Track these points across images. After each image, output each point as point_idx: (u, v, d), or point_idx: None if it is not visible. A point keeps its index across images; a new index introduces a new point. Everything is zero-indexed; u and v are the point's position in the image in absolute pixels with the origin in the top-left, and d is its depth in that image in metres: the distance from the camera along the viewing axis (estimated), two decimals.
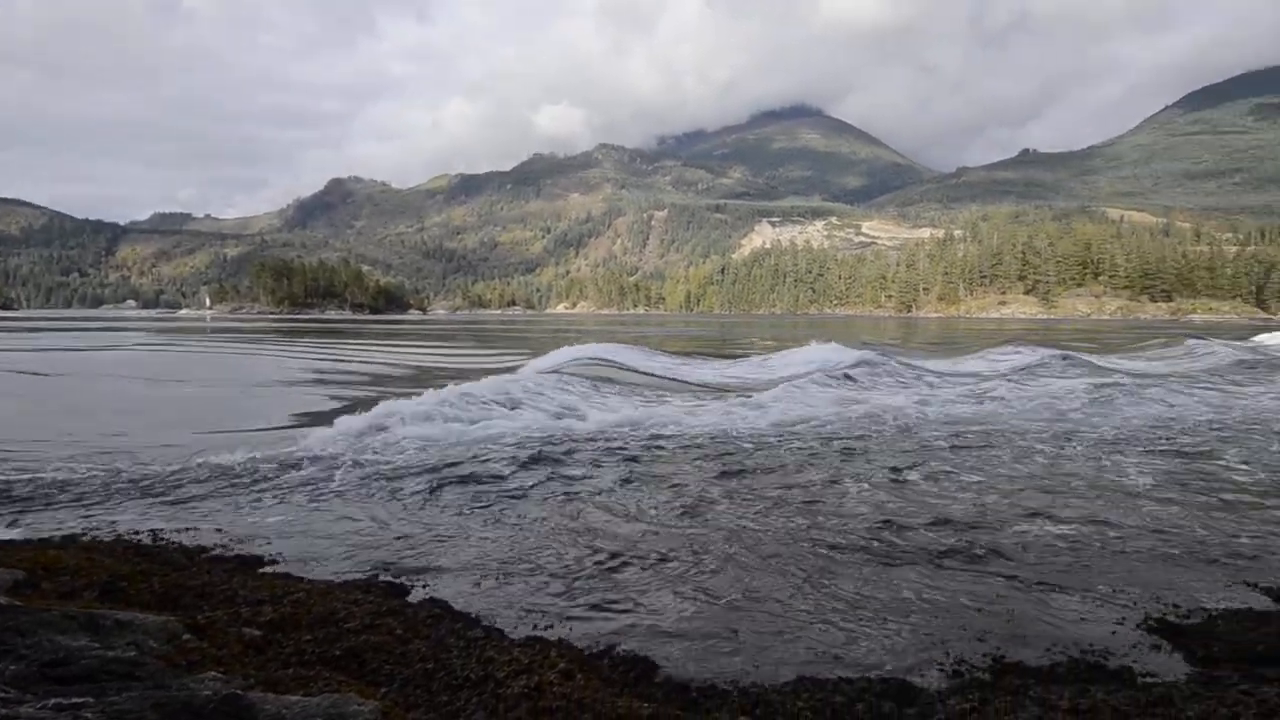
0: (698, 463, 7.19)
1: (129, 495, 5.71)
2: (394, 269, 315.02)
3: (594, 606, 3.77)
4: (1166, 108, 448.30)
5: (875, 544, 4.76)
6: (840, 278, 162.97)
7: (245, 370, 18.79)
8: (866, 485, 6.37)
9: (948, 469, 7.11)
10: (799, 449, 7.96)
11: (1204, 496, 6.10)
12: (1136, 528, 5.16)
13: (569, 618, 3.64)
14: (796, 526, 5.13)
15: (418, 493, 5.91)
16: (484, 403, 9.30)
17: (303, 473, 6.45)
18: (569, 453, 7.52)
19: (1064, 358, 18.25)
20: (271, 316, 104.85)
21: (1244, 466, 7.34)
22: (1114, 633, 3.46)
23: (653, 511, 5.49)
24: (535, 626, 3.53)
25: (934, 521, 5.27)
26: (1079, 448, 8.24)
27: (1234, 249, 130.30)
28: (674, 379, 14.29)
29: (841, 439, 8.59)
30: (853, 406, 10.97)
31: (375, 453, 7.16)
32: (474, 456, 7.15)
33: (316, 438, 7.47)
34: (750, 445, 8.14)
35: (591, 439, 8.20)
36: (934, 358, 19.96)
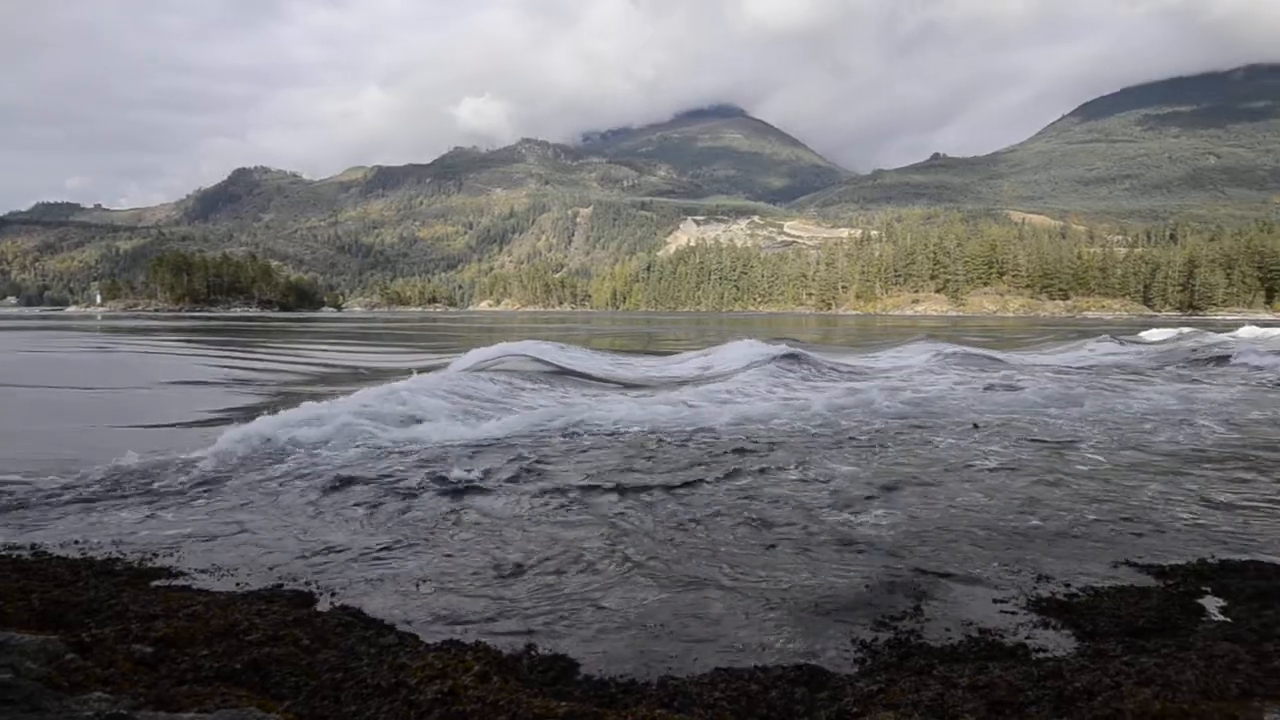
0: (617, 460, 7.17)
1: (6, 508, 5.26)
2: (306, 264, 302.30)
3: (513, 609, 3.71)
4: (1064, 116, 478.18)
5: (790, 537, 4.86)
6: (763, 276, 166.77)
7: (140, 371, 17.62)
8: (784, 478, 6.52)
9: (858, 461, 7.36)
10: (718, 444, 8.07)
11: (1091, 482, 6.53)
12: (1030, 512, 5.47)
13: (488, 620, 3.58)
14: (714, 522, 5.18)
15: (327, 499, 5.66)
16: (400, 404, 9.00)
17: (204, 479, 6.09)
18: (487, 453, 7.35)
19: (967, 354, 19.19)
20: (170, 314, 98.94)
21: (1126, 453, 7.91)
22: (1011, 612, 3.66)
23: (573, 511, 5.44)
24: (452, 631, 3.44)
25: (844, 512, 5.44)
26: (981, 437, 8.68)
27: (1123, 251, 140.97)
28: (600, 376, 14.28)
29: (763, 434, 8.77)
30: (777, 403, 11.23)
31: (282, 458, 6.83)
32: (388, 461, 6.91)
33: (221, 442, 7.05)
34: (671, 441, 8.20)
35: (512, 438, 8.07)
36: (853, 354, 20.69)
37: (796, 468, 6.96)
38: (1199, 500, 5.90)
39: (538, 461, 7.04)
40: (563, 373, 14.00)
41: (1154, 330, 37.26)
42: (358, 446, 7.33)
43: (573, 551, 4.52)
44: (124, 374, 16.76)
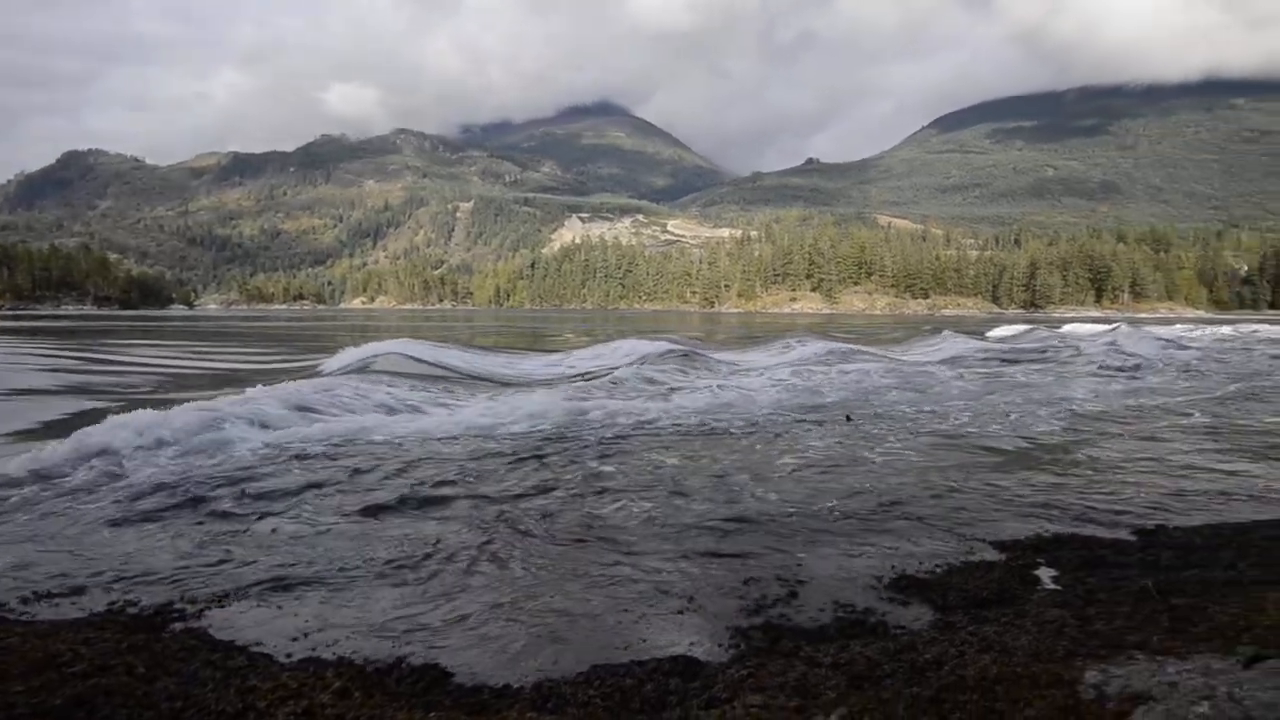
0: (488, 461, 6.99)
1: None
2: (152, 258, 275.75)
3: (381, 620, 3.53)
4: (923, 128, 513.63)
5: (659, 531, 4.92)
6: (649, 274, 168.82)
7: None
8: (658, 473, 6.59)
9: (731, 452, 7.59)
10: (594, 441, 8.06)
11: (952, 468, 7.05)
12: (894, 497, 5.83)
13: (352, 633, 3.38)
14: (589, 520, 5.16)
15: (165, 515, 5.14)
16: (255, 409, 8.38)
17: (23, 495, 5.41)
18: (348, 458, 6.92)
19: (842, 350, 20.27)
20: None
21: (974, 434, 8.61)
22: (872, 590, 3.87)
23: (437, 515, 5.23)
24: (312, 648, 3.23)
25: (720, 505, 5.57)
26: (851, 428, 9.18)
27: (975, 254, 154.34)
28: (479, 375, 13.94)
29: (641, 429, 8.85)
30: (657, 399, 11.36)
31: (114, 472, 6.15)
32: (238, 470, 6.38)
33: (44, 456, 6.27)
34: (547, 440, 8.10)
35: (376, 443, 7.63)
36: (734, 350, 21.33)
37: (675, 461, 7.07)
38: (1041, 480, 6.51)
39: (412, 464, 6.76)
40: (443, 372, 13.57)
41: (1002, 327, 40.97)
42: (203, 457, 6.73)
43: (440, 557, 4.35)
44: None
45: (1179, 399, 12.32)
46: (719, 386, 12.76)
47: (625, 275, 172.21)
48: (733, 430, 8.88)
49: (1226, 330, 39.91)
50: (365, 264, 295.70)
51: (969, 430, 9.11)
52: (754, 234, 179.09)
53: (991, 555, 4.44)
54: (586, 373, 14.67)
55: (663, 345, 17.87)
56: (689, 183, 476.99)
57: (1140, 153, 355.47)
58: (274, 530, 4.85)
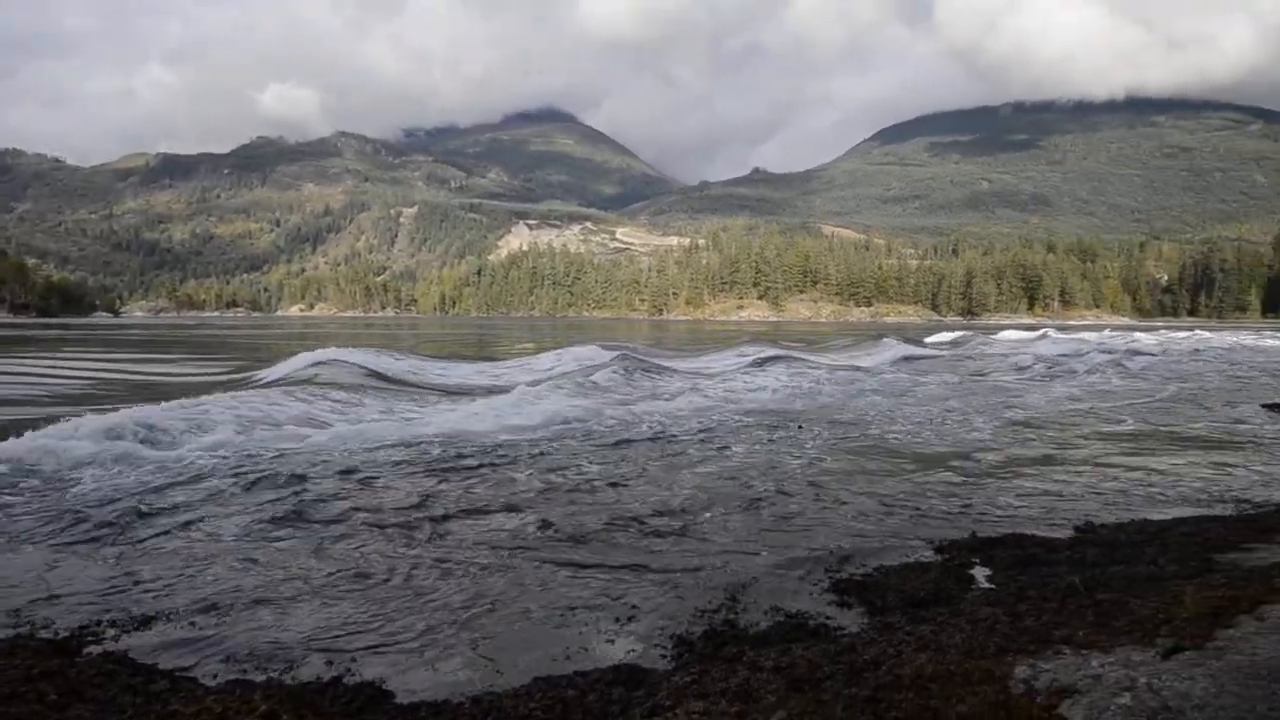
0: (426, 472, 6.83)
1: None
2: (74, 263, 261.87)
3: (312, 639, 3.40)
4: (865, 140, 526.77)
5: (602, 540, 4.89)
6: (597, 282, 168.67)
7: None
8: (593, 485, 6.54)
9: (678, 460, 7.62)
10: (535, 451, 7.98)
11: (891, 475, 7.21)
12: (837, 500, 5.94)
13: (284, 654, 3.24)
14: (525, 532, 5.07)
15: (81, 534, 4.87)
16: (185, 422, 8.03)
17: None
18: (280, 472, 6.62)
19: (786, 356, 20.58)
20: None
21: (910, 441, 8.84)
22: (814, 594, 3.92)
23: (371, 530, 5.07)
24: (240, 670, 3.09)
25: (658, 512, 5.57)
26: (799, 434, 9.31)
27: (915, 263, 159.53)
28: (426, 385, 13.68)
29: (585, 437, 8.81)
30: (607, 409, 11.32)
31: (18, 489, 5.79)
32: (162, 487, 6.06)
33: None
34: (484, 451, 7.99)
35: (309, 455, 7.34)
36: (681, 358, 21.44)
37: (617, 469, 7.06)
38: (976, 482, 6.72)
39: (345, 473, 6.56)
40: (384, 382, 13.26)
41: (940, 334, 42.38)
42: (122, 474, 6.38)
43: (376, 572, 4.22)
44: None
45: (1104, 403, 12.90)
46: (666, 394, 12.80)
47: (574, 283, 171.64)
48: (675, 437, 8.91)
49: (1149, 337, 42.13)
50: (304, 270, 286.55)
51: (907, 435, 9.35)
52: (702, 242, 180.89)
53: (929, 556, 4.54)
54: (533, 380, 14.53)
55: (610, 353, 17.85)
56: (637, 191, 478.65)
57: (1069, 167, 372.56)
58: (200, 548, 4.64)
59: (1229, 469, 7.30)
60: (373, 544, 4.76)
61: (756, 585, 4.04)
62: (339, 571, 4.22)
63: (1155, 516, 5.39)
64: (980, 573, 4.21)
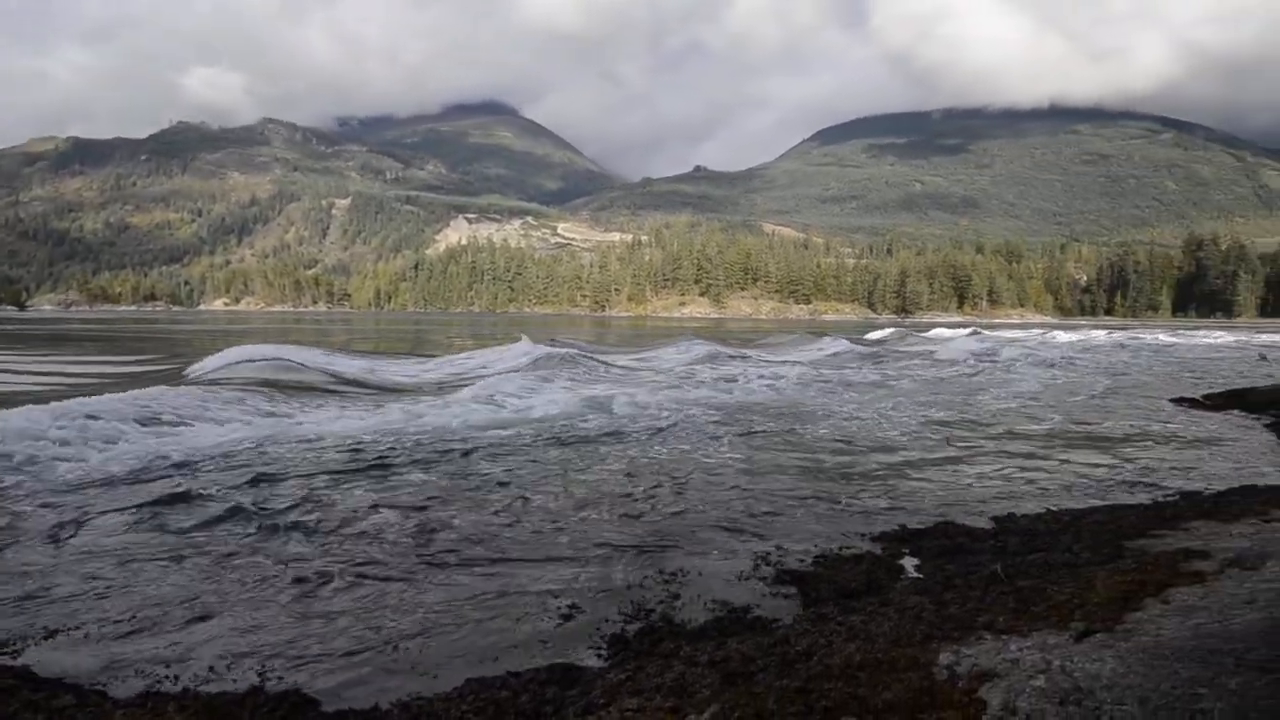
0: (353, 472, 6.61)
1: None
2: None
3: (233, 648, 3.25)
4: (804, 140, 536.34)
5: (539, 539, 4.84)
6: (538, 277, 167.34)
7: None
8: (535, 479, 6.50)
9: (615, 459, 7.62)
10: (473, 449, 7.85)
11: (820, 465, 7.36)
12: (770, 495, 6.03)
13: (201, 663, 3.09)
14: (460, 532, 4.97)
15: None
16: (89, 420, 7.59)
17: None
18: (195, 475, 6.35)
19: (726, 353, 20.83)
20: None
21: (841, 438, 9.06)
22: (751, 588, 3.97)
23: (293, 531, 4.90)
24: (154, 681, 2.93)
25: (596, 510, 5.54)
26: (734, 432, 9.42)
27: (852, 262, 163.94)
28: (357, 382, 13.29)
29: (519, 435, 8.72)
30: (558, 403, 11.23)
31: None
32: (68, 490, 5.73)
33: None
34: (416, 448, 7.82)
35: (228, 458, 7.03)
36: (623, 353, 21.46)
37: (555, 467, 7.01)
38: (908, 475, 6.93)
39: (260, 479, 6.30)
40: (313, 378, 12.83)
41: (876, 331, 43.66)
42: (27, 476, 5.99)
43: (300, 576, 4.07)
44: None
45: (1026, 399, 13.50)
46: (606, 392, 12.78)
47: (514, 278, 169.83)
48: (613, 435, 8.90)
49: (1069, 335, 44.36)
50: (229, 262, 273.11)
51: (843, 430, 9.58)
52: (644, 239, 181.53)
53: (862, 548, 4.66)
54: (473, 377, 14.31)
55: (553, 349, 17.72)
56: (579, 186, 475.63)
57: (996, 171, 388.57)
58: (107, 555, 4.38)
59: (1139, 460, 7.73)
60: (295, 546, 4.59)
61: (696, 581, 4.06)
62: (258, 579, 4.05)
63: (1071, 506, 5.65)
64: (909, 563, 4.34)
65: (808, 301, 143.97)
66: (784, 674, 2.40)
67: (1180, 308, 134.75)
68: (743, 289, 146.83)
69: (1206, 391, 13.41)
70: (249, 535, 4.80)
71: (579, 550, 4.59)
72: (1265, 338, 42.49)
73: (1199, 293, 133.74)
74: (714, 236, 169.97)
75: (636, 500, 5.78)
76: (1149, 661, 2.14)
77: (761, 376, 15.88)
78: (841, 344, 27.00)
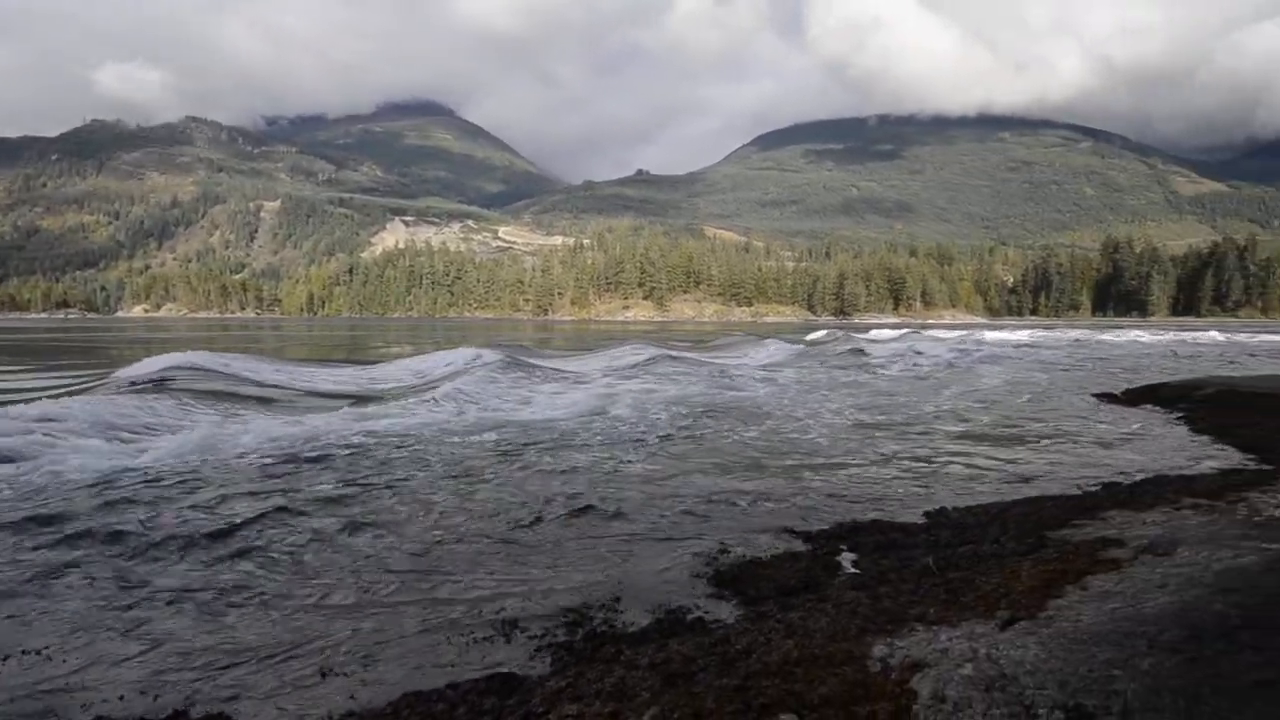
0: (277, 480, 6.39)
1: None
2: None
3: (150, 670, 3.08)
4: (744, 145, 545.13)
5: (477, 546, 4.76)
6: (479, 281, 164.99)
7: None
8: (462, 490, 6.37)
9: (558, 464, 7.57)
10: (403, 456, 7.67)
11: (760, 465, 7.45)
12: (711, 496, 6.07)
13: (114, 688, 2.91)
14: (393, 542, 4.83)
15: None
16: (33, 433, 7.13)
17: None
18: (112, 488, 5.99)
19: (670, 356, 20.90)
20: None
21: (771, 436, 9.22)
22: (693, 589, 3.97)
23: (212, 543, 4.69)
24: (59, 709, 2.75)
25: (532, 515, 5.47)
26: (672, 434, 9.46)
27: (792, 265, 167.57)
28: (284, 387, 12.83)
29: (454, 441, 8.58)
30: (476, 410, 11.07)
31: None
32: None
33: None
34: (344, 456, 7.60)
35: (145, 471, 6.63)
36: (568, 358, 21.31)
37: (491, 476, 6.91)
38: (845, 474, 7.07)
39: (175, 493, 6.00)
40: (240, 387, 12.32)
41: (816, 332, 44.63)
42: None
43: (227, 590, 3.90)
44: None
45: (959, 396, 14.00)
46: (545, 397, 12.69)
47: (454, 282, 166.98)
48: (553, 438, 8.84)
49: (997, 334, 46.29)
50: (149, 267, 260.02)
51: (785, 430, 9.73)
52: (587, 242, 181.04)
53: (801, 546, 4.72)
54: (410, 385, 13.99)
55: (495, 353, 17.45)
56: (521, 189, 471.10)
57: (928, 177, 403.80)
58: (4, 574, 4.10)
59: (1062, 453, 8.12)
60: (216, 559, 4.38)
61: (637, 584, 4.04)
62: (181, 589, 3.85)
63: (999, 499, 5.87)
64: (847, 558, 4.42)
65: (750, 304, 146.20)
66: (724, 673, 2.41)
67: (1099, 307, 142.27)
68: (686, 292, 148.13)
69: (1126, 387, 14.17)
70: (166, 548, 4.55)
71: (517, 557, 4.52)
72: (1171, 336, 45.48)
73: (1116, 293, 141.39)
74: (657, 240, 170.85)
75: (576, 505, 5.73)
76: (1069, 646, 2.23)
77: (703, 378, 16.02)
78: (782, 346, 27.48)
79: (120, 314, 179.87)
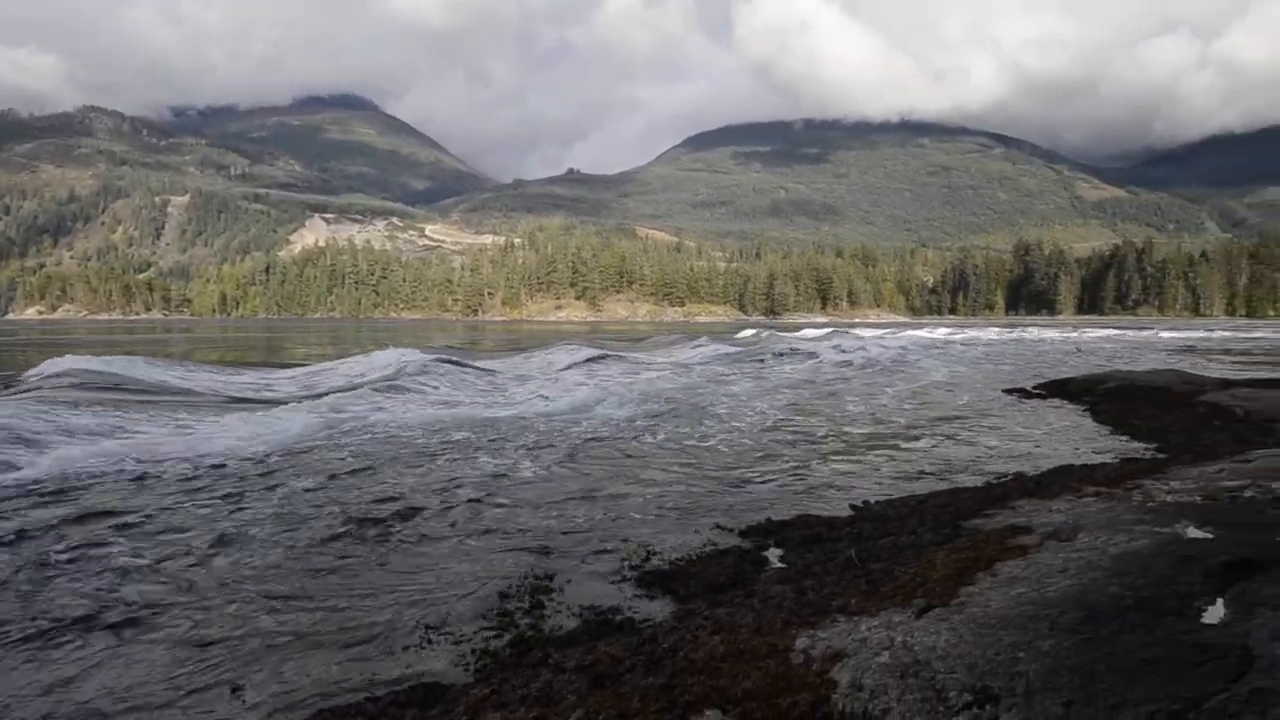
0: (185, 492, 6.06)
1: None
2: None
3: (57, 677, 2.87)
4: (675, 146, 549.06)
5: (394, 552, 4.65)
6: (406, 281, 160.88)
7: None
8: (396, 491, 6.25)
9: (482, 466, 7.46)
10: (322, 463, 7.44)
11: (690, 464, 7.53)
12: (636, 496, 6.09)
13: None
14: (307, 548, 4.67)
15: None
16: None
17: None
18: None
19: (607, 355, 20.88)
20: None
21: (709, 439, 9.34)
22: (621, 589, 3.97)
23: (110, 554, 4.45)
24: None
25: (457, 519, 5.38)
26: (603, 435, 9.46)
27: (723, 265, 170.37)
28: (190, 391, 12.20)
29: (382, 444, 8.36)
30: (403, 411, 10.81)
31: None
32: None
33: None
34: (266, 463, 7.31)
35: (34, 481, 6.22)
36: (497, 358, 20.99)
37: (410, 479, 6.76)
38: (773, 469, 7.22)
39: (103, 495, 5.65)
40: (148, 392, 11.65)
41: (747, 331, 45.45)
42: None
43: (127, 606, 3.67)
44: None
45: (878, 393, 14.49)
46: (471, 399, 12.49)
47: (379, 282, 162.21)
48: (481, 443, 8.70)
49: (917, 333, 48.15)
50: (43, 266, 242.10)
51: (713, 429, 9.85)
52: (518, 241, 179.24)
53: (729, 543, 4.79)
54: (332, 388, 13.51)
55: (420, 356, 17.02)
56: (449, 186, 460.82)
57: (852, 180, 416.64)
58: None
59: (977, 445, 8.53)
60: (116, 572, 4.12)
61: (566, 587, 4.01)
62: (79, 607, 3.59)
63: (918, 491, 6.10)
64: (774, 554, 4.51)
65: (682, 304, 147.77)
66: (650, 672, 2.42)
67: (1012, 306, 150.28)
68: (618, 292, 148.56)
69: (1037, 382, 15.02)
70: (66, 561, 4.24)
71: (441, 565, 4.42)
72: (1077, 333, 48.36)
73: (1027, 293, 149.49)
74: (589, 240, 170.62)
75: (499, 507, 5.65)
76: (978, 631, 2.33)
77: (634, 379, 16.08)
78: (714, 345, 27.85)
79: (11, 316, 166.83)
